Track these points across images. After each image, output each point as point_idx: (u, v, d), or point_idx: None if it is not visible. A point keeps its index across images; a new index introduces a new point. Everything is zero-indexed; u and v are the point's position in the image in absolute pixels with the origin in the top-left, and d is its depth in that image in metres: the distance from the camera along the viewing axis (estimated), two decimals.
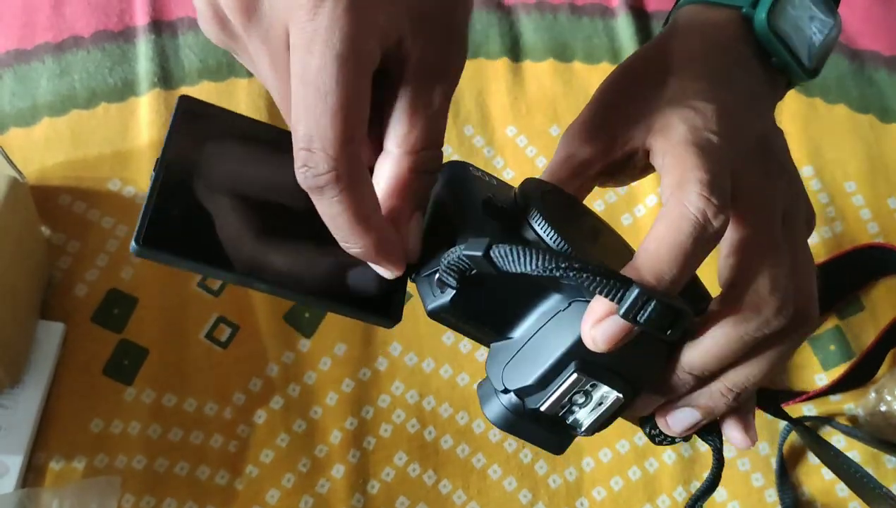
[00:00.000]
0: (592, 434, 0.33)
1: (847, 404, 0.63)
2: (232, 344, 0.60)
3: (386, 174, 0.31)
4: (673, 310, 0.28)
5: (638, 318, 0.28)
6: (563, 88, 0.71)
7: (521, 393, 0.32)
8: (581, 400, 0.31)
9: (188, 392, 0.58)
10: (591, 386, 0.31)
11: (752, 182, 0.34)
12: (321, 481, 0.58)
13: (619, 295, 0.28)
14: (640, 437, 0.61)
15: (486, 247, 0.29)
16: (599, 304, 0.29)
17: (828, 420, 0.63)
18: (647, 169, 0.37)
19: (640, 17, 0.73)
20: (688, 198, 0.30)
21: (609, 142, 0.36)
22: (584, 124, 0.37)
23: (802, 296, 0.33)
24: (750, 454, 0.62)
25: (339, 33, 0.26)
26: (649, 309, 0.28)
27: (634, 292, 0.28)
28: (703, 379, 0.33)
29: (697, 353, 0.32)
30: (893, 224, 0.68)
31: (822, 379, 0.64)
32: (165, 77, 0.65)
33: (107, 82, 0.65)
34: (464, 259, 0.30)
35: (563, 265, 0.28)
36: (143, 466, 0.56)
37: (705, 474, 0.61)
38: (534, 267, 0.28)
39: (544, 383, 0.31)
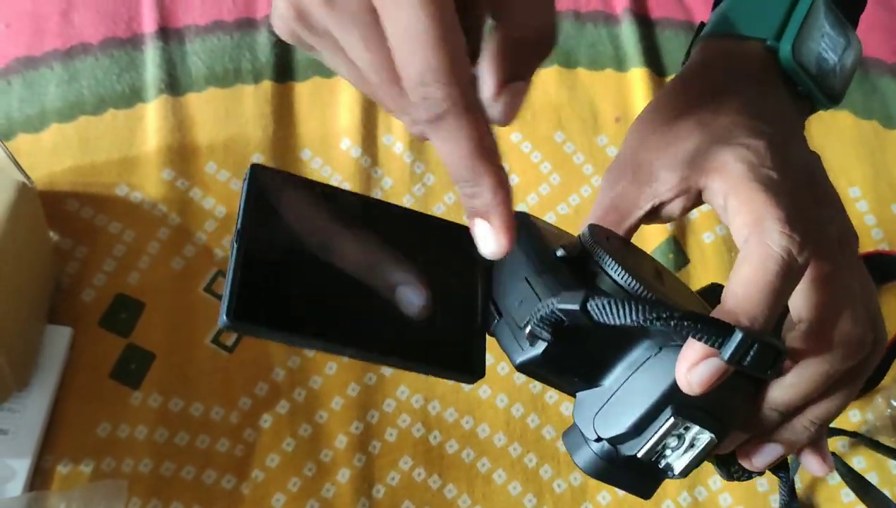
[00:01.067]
0: (685, 476, 0.33)
1: (852, 409, 0.63)
2: (238, 348, 0.60)
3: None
4: (775, 351, 0.29)
5: (742, 362, 0.28)
6: (568, 94, 0.71)
7: (615, 440, 0.32)
8: (674, 444, 0.32)
9: (194, 396, 0.59)
10: (684, 428, 0.31)
11: (810, 214, 0.34)
12: (327, 485, 0.58)
13: (719, 340, 0.28)
14: None
15: (582, 300, 0.29)
16: (694, 349, 0.29)
17: (837, 431, 0.62)
18: (696, 205, 0.37)
19: (644, 24, 0.74)
20: (770, 237, 0.30)
21: (654, 182, 0.36)
22: (625, 166, 0.38)
23: (874, 325, 0.34)
24: None
25: None
26: (753, 351, 0.28)
27: (739, 337, 0.28)
28: (788, 414, 0.33)
29: (784, 391, 0.32)
30: None
31: None
32: (173, 83, 0.66)
33: (115, 89, 0.65)
34: (558, 312, 0.30)
35: (663, 315, 0.28)
36: (150, 470, 0.57)
37: (710, 480, 0.61)
38: (632, 318, 0.28)
39: (639, 429, 0.31)
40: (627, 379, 0.32)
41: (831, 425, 0.62)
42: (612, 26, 0.74)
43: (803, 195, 0.34)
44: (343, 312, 0.32)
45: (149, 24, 0.67)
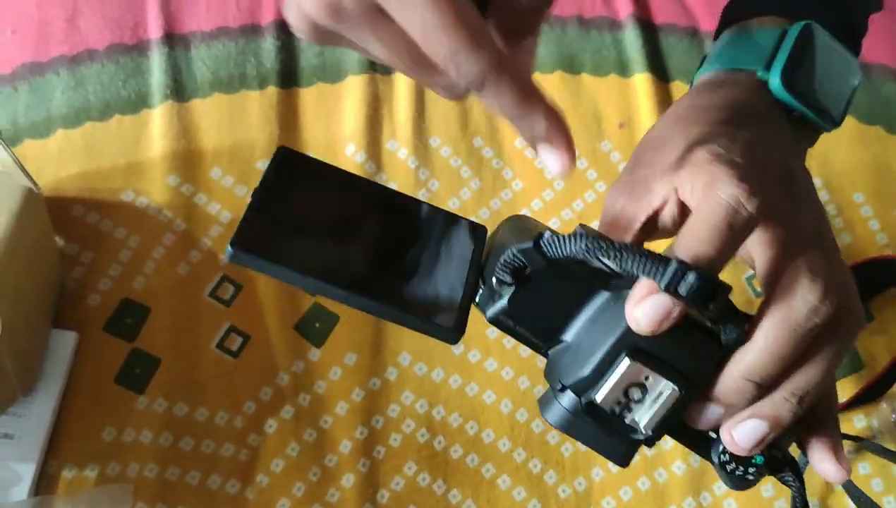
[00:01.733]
0: (654, 437, 0.33)
1: (857, 415, 0.63)
2: (243, 353, 0.60)
3: None
4: (712, 282, 0.29)
5: (678, 291, 0.29)
6: (572, 100, 0.71)
7: (578, 388, 0.33)
8: (638, 396, 0.32)
9: (199, 401, 0.59)
10: (645, 378, 0.32)
11: (779, 200, 0.35)
12: (331, 490, 0.58)
13: (660, 272, 0.29)
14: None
15: (535, 238, 0.32)
16: (640, 286, 0.30)
17: (859, 438, 0.62)
18: (684, 212, 0.37)
19: (648, 29, 0.74)
20: (720, 188, 0.32)
21: (648, 194, 0.37)
22: (623, 183, 0.39)
23: (844, 292, 0.34)
24: None
25: None
26: (689, 281, 0.29)
27: (673, 265, 0.29)
28: (764, 386, 0.33)
29: (752, 353, 0.32)
30: None
31: None
32: (178, 89, 0.66)
33: (120, 94, 0.65)
34: (517, 254, 0.32)
35: (604, 246, 0.30)
36: (155, 474, 0.57)
37: (715, 485, 0.61)
38: (578, 249, 0.30)
39: (599, 373, 0.32)
40: (589, 330, 0.33)
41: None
42: (616, 32, 0.74)
43: (774, 186, 0.35)
44: (338, 258, 0.36)
45: (154, 30, 0.68)
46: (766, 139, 0.38)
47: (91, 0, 0.68)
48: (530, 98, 0.32)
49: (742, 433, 0.33)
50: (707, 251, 0.31)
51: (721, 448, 0.35)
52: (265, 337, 0.61)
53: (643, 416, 0.33)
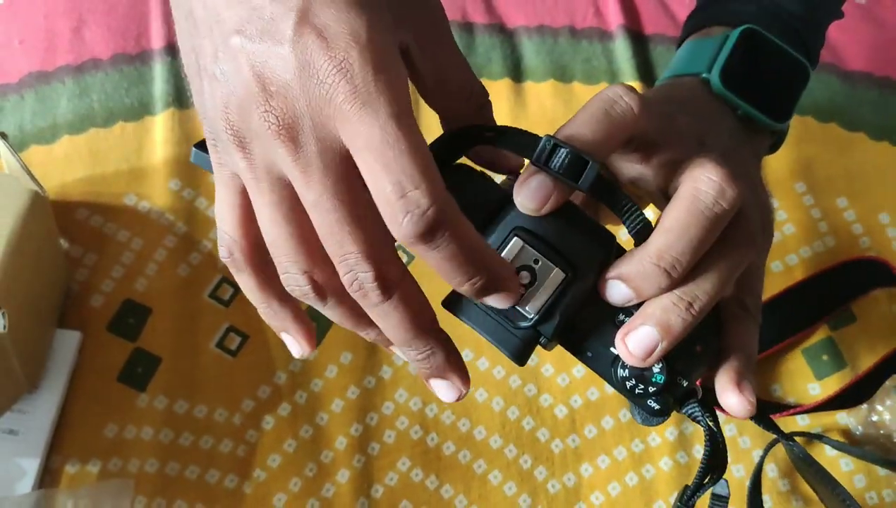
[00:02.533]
0: (547, 334, 0.34)
1: (839, 413, 0.65)
2: (241, 352, 0.62)
3: None
4: (580, 159, 0.32)
5: (549, 165, 0.32)
6: (564, 108, 0.73)
7: None
8: (527, 279, 0.34)
9: (199, 398, 0.60)
10: (535, 262, 0.33)
11: (680, 126, 0.38)
12: (327, 485, 0.60)
13: (531, 148, 0.33)
14: (636, 444, 0.63)
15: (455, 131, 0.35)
16: (526, 167, 0.33)
17: (818, 436, 0.64)
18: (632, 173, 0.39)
19: (638, 39, 0.76)
20: (607, 89, 0.34)
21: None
22: None
23: (754, 194, 0.35)
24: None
25: (383, 96, 0.27)
26: (561, 156, 0.32)
27: (542, 140, 0.32)
28: (673, 276, 0.33)
29: (660, 235, 0.33)
30: (884, 238, 0.69)
31: (815, 388, 0.65)
32: (179, 97, 0.68)
33: (124, 102, 0.67)
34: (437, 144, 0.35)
35: (500, 129, 0.34)
36: (156, 469, 0.58)
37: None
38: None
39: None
40: (497, 226, 0.35)
41: (819, 435, 0.64)
42: (607, 42, 0.76)
43: (676, 114, 0.38)
44: None
45: (157, 40, 0.70)
46: (703, 121, 0.40)
47: (96, 11, 0.70)
48: (424, 329, 0.31)
49: (634, 340, 0.34)
50: (582, 132, 0.33)
51: (621, 363, 0.35)
52: (263, 336, 0.62)
53: (530, 300, 0.34)
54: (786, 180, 0.71)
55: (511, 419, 0.63)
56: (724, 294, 0.35)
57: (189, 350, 0.61)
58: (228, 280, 0.63)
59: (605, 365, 0.36)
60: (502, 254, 0.33)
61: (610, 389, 0.63)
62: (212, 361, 0.61)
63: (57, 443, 0.58)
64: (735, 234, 0.34)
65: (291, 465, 0.60)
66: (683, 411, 0.36)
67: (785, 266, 0.68)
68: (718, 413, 0.37)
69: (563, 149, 0.32)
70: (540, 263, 0.33)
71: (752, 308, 0.38)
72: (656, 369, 0.35)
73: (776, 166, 0.71)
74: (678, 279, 0.33)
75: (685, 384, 0.36)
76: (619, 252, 0.35)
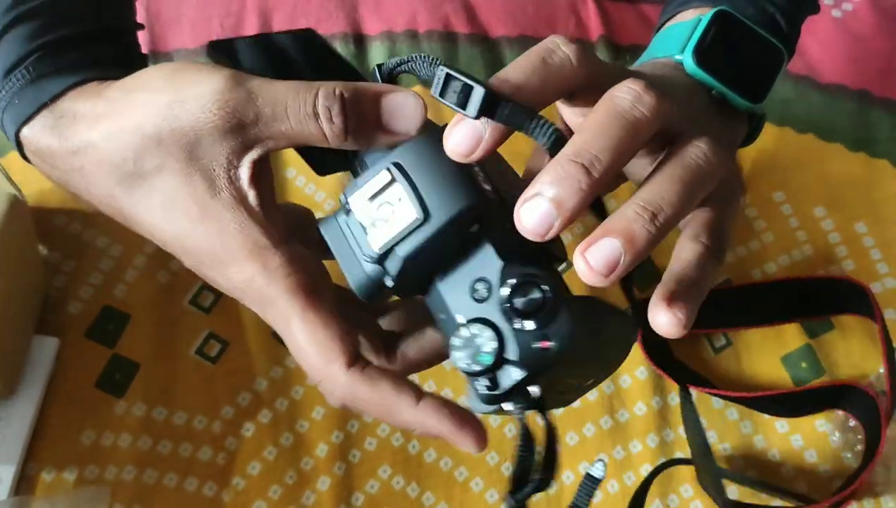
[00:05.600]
0: (391, 268, 0.34)
1: (819, 419, 0.65)
2: (221, 359, 0.62)
3: None
4: (494, 94, 0.32)
5: (444, 96, 0.32)
6: (549, 114, 0.73)
7: (347, 192, 0.35)
8: (386, 216, 0.34)
9: (178, 405, 0.60)
10: (399, 200, 0.34)
11: (619, 72, 0.38)
12: (307, 493, 0.59)
13: (439, 84, 0.33)
14: (618, 452, 0.63)
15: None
16: (456, 116, 0.33)
17: (719, 395, 0.63)
18: None
19: (617, 50, 0.77)
20: (545, 40, 0.35)
21: None
22: None
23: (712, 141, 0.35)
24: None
25: (273, 286, 0.37)
26: (476, 93, 0.32)
27: (437, 70, 0.33)
28: (592, 173, 0.31)
29: (578, 135, 0.32)
30: (861, 247, 0.70)
31: None
32: None
33: None
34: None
35: (429, 58, 0.35)
36: (133, 477, 0.58)
37: (682, 487, 0.63)
38: (408, 67, 0.37)
39: (363, 181, 0.35)
40: (386, 154, 0.35)
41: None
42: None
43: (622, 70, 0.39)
44: None
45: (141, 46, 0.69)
46: (680, 90, 0.42)
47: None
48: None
49: (596, 254, 0.31)
50: (514, 76, 0.33)
51: (456, 331, 0.34)
52: (244, 343, 0.62)
53: (378, 234, 0.34)
54: (765, 190, 0.71)
55: (493, 426, 0.63)
56: (686, 211, 0.33)
57: (168, 356, 0.61)
58: (209, 287, 0.63)
59: (448, 332, 0.35)
60: (368, 182, 0.34)
61: (592, 396, 0.64)
62: (191, 368, 0.61)
63: (33, 450, 0.57)
64: (692, 151, 0.34)
65: (271, 473, 0.59)
66: (506, 405, 0.35)
67: (763, 274, 0.69)
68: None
69: (479, 88, 0.32)
70: (401, 201, 0.34)
71: (712, 243, 0.37)
72: (487, 348, 0.33)
73: (755, 176, 0.71)
74: (600, 180, 0.31)
75: (516, 375, 0.34)
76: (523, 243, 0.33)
